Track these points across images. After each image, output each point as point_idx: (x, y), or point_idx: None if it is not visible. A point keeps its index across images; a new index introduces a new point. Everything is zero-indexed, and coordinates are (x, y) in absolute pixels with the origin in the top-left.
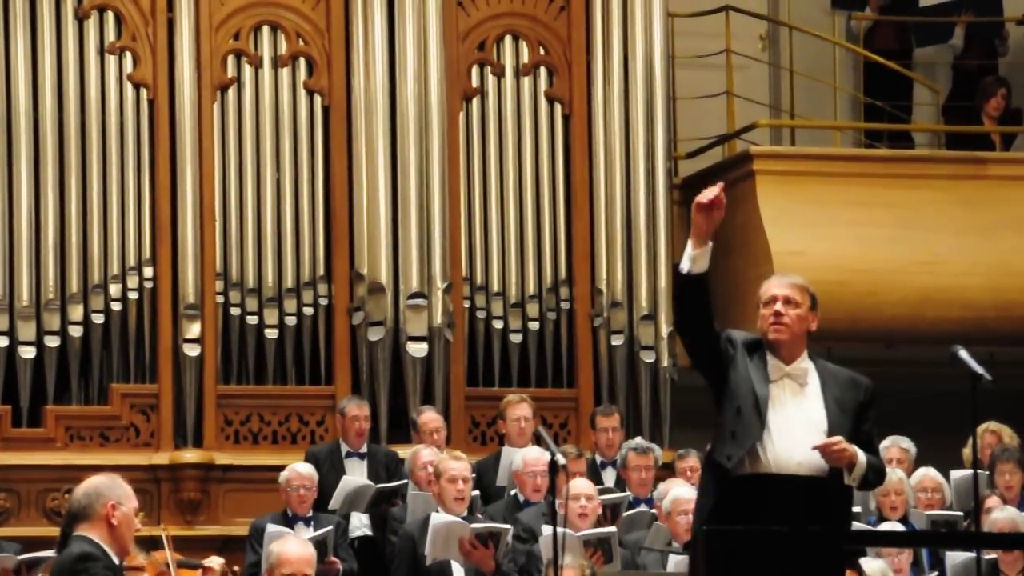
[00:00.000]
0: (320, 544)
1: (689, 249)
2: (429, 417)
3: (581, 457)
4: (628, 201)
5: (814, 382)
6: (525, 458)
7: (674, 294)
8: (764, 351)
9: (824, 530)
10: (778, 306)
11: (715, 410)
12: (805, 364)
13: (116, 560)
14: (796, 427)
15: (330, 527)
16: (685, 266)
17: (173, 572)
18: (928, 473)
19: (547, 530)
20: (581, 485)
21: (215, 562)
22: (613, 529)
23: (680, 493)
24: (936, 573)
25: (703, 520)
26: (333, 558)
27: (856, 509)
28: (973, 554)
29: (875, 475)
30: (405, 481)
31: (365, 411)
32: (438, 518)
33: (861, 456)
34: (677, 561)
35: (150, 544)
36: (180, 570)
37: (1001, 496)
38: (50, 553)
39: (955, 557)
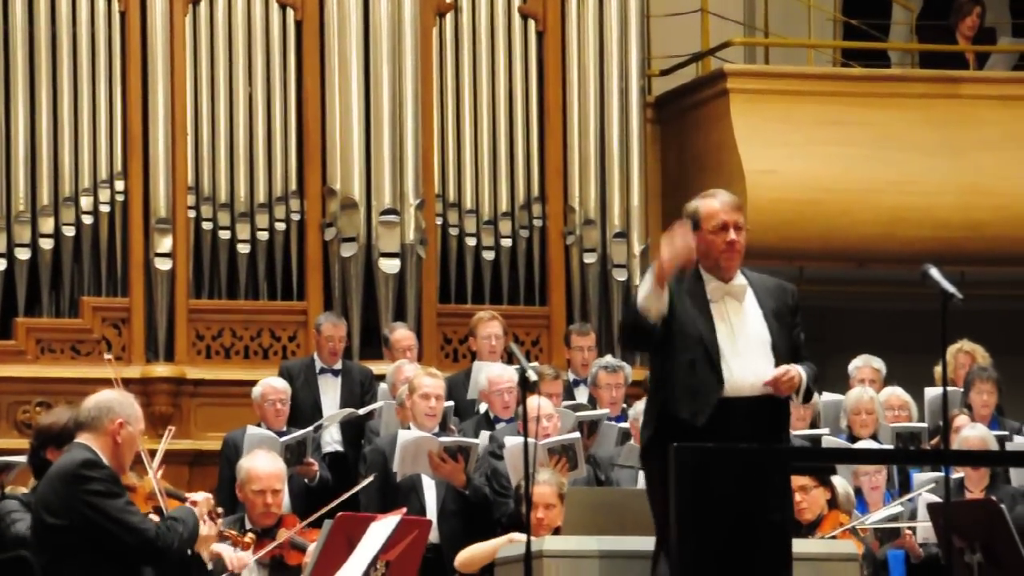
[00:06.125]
0: (299, 445)
1: (652, 290)
2: (402, 334)
3: (559, 379)
4: (601, 118)
5: (750, 295)
6: (490, 377)
7: (630, 330)
8: (697, 272)
9: (793, 447)
10: (732, 234)
11: (655, 356)
12: (742, 280)
13: None
14: (743, 348)
15: (308, 429)
16: (653, 321)
17: (162, 500)
18: (895, 392)
19: (510, 441)
20: (541, 405)
21: (202, 496)
22: (576, 435)
23: None
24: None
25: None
26: (311, 460)
27: (825, 430)
28: (939, 473)
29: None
30: (379, 404)
31: (341, 331)
32: (406, 435)
33: (804, 374)
34: None
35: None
36: (168, 499)
37: (973, 415)
38: (20, 459)
39: (921, 476)
